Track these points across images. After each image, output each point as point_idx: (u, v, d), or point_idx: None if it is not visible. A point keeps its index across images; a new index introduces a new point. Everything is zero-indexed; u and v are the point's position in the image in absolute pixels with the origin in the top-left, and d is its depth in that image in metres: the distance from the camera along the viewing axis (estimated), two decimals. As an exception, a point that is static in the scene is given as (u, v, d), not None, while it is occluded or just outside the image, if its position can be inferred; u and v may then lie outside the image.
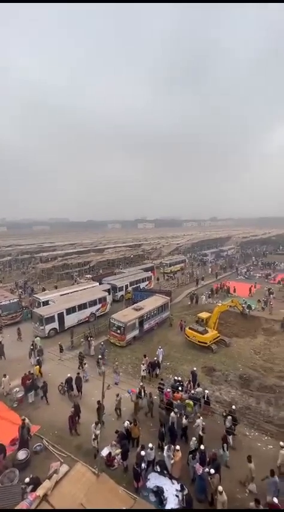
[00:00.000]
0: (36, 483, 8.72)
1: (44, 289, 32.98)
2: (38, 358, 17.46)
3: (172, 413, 12.12)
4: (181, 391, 13.86)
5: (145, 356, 17.49)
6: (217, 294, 33.61)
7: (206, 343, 20.09)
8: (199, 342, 20.39)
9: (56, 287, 34.35)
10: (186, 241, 73.60)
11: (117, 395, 13.38)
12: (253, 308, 28.24)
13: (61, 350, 19.01)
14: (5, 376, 15.12)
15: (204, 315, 22.15)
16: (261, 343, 21.55)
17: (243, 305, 27.05)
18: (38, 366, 16.32)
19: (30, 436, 11.60)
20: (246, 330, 23.78)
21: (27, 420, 11.78)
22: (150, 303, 24.63)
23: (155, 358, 17.69)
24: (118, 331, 20.77)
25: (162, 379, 15.18)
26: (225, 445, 10.78)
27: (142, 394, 13.82)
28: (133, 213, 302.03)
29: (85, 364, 16.77)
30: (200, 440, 10.84)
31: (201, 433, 11.08)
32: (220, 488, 8.74)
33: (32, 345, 18.78)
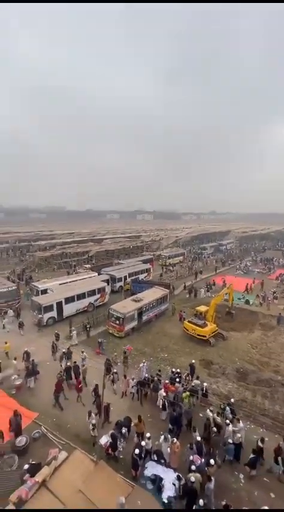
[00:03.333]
0: (35, 469, 8.80)
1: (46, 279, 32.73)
2: (68, 364, 15.77)
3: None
4: (179, 383, 13.99)
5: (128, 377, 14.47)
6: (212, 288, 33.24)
7: (205, 336, 20.24)
8: (198, 335, 20.52)
9: (67, 272, 34.68)
10: (185, 234, 73.42)
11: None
12: (251, 303, 28.45)
13: (57, 339, 18.94)
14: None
15: (202, 308, 22.25)
16: (258, 337, 21.79)
17: (240, 298, 27.06)
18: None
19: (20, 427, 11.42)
20: (244, 324, 23.99)
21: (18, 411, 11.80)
22: (149, 295, 24.67)
23: (145, 375, 14.71)
24: (117, 322, 20.81)
25: (159, 370, 15.30)
26: (280, 458, 10.01)
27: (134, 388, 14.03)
28: (132, 204, 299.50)
29: (83, 352, 16.78)
30: (207, 433, 11.01)
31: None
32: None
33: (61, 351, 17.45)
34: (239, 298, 29.16)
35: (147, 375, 14.58)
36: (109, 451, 10.55)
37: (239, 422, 11.43)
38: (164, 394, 13.00)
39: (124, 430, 11.28)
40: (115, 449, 10.60)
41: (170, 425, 11.81)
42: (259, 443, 10.45)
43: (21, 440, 10.70)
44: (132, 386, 13.96)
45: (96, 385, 13.09)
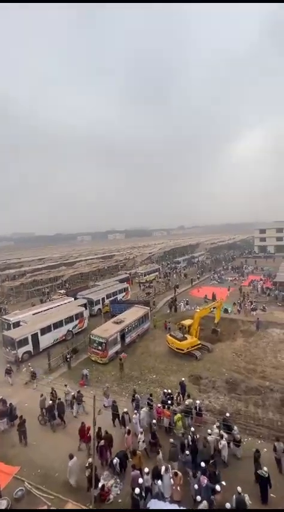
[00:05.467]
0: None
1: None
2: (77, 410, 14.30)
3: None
4: (172, 404, 13.36)
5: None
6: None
7: (183, 350, 20.02)
8: (176, 348, 20.30)
9: (40, 300, 32.43)
10: (158, 250, 74.49)
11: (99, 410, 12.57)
12: (229, 311, 29.05)
13: (33, 377, 17.23)
14: None
15: (187, 322, 22.09)
16: (241, 345, 22.04)
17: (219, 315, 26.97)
18: None
19: None
20: (226, 334, 24.21)
21: None
22: (130, 315, 24.02)
23: (140, 429, 12.30)
24: (100, 348, 19.75)
25: (151, 394, 14.51)
26: None
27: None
28: (102, 225, 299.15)
29: (66, 385, 15.42)
30: (210, 459, 10.33)
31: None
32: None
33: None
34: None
35: (141, 429, 12.19)
36: (109, 495, 9.48)
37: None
38: (154, 421, 12.22)
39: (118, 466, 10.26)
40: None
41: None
42: (262, 472, 9.46)
43: (1, 505, 9.17)
44: (142, 441, 11.54)
45: (99, 429, 11.41)
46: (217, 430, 11.44)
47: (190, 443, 10.97)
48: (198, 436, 11.40)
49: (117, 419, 13.20)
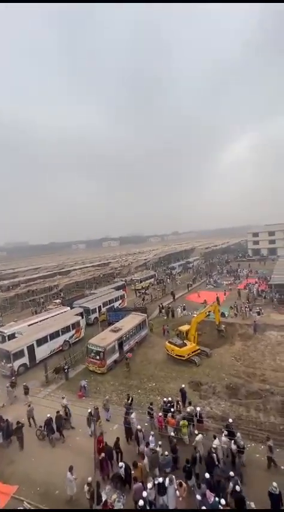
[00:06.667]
0: None
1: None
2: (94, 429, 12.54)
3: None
4: (173, 412, 13.15)
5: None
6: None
7: (183, 356, 19.88)
8: (177, 355, 20.13)
9: (35, 311, 32.49)
10: (153, 256, 74.57)
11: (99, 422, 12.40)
12: (226, 315, 29.07)
13: (26, 392, 16.31)
14: None
15: (184, 327, 22.03)
16: (240, 349, 22.00)
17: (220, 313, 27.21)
18: None
19: None
20: (224, 337, 24.17)
21: None
22: (128, 322, 23.82)
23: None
24: (98, 357, 19.44)
25: (151, 403, 14.25)
26: None
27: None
28: (96, 232, 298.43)
29: (63, 398, 15.02)
30: (208, 467, 10.14)
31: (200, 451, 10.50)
32: None
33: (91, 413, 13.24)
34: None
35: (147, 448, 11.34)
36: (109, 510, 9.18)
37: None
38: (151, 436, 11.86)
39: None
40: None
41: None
42: (273, 489, 8.84)
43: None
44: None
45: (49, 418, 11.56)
46: (225, 439, 11.19)
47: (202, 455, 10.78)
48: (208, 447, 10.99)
49: (129, 436, 12.68)
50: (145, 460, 10.62)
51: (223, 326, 24.97)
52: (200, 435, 11.51)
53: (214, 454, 10.43)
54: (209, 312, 24.04)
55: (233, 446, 10.83)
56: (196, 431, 11.85)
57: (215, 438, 11.25)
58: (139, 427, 12.33)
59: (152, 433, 12.16)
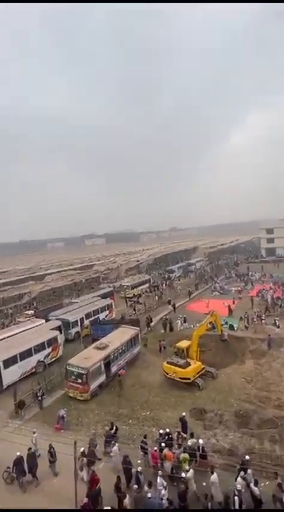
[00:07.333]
0: None
1: None
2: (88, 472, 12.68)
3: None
4: (172, 446, 13.20)
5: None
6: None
7: (189, 378, 19.95)
8: (180, 378, 20.16)
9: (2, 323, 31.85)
10: (147, 257, 74.85)
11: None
12: (235, 328, 29.40)
13: None
14: None
15: (183, 344, 22.11)
16: (251, 368, 22.25)
17: (223, 324, 27.67)
18: None
19: None
20: (233, 355, 24.45)
21: None
22: (116, 338, 23.85)
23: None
24: (79, 381, 19.34)
25: (145, 436, 14.24)
26: None
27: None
28: (78, 228, 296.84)
29: (34, 432, 14.79)
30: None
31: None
32: None
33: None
34: (221, 324, 29.85)
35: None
36: None
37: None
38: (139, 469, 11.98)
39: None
40: None
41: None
42: None
43: None
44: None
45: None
46: (243, 482, 11.10)
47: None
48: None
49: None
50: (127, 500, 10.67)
51: (226, 334, 25.74)
52: (191, 470, 11.62)
53: (236, 497, 10.32)
54: (210, 323, 24.39)
55: (255, 489, 10.76)
56: (191, 470, 11.74)
57: (213, 473, 11.28)
58: (139, 468, 12.33)
59: (160, 473, 12.00)
